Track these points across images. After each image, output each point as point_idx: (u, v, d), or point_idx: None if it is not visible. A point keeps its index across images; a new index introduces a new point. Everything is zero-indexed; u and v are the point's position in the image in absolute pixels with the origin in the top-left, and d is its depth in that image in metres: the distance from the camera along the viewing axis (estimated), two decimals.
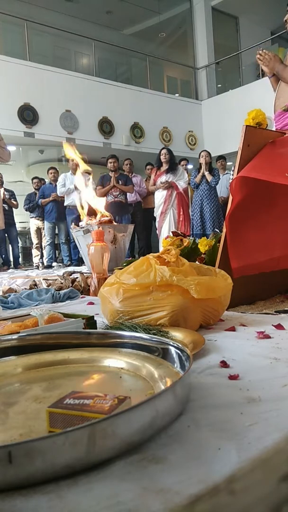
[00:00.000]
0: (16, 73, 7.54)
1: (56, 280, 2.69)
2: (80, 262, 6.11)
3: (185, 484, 0.40)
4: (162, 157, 5.77)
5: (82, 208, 2.80)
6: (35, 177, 7.33)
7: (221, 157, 7.07)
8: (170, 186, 5.72)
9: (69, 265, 6.28)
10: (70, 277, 2.63)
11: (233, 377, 0.72)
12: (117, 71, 10.51)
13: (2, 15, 7.81)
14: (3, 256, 6.91)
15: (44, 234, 6.96)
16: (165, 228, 5.73)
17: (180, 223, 5.74)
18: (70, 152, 2.52)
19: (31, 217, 7.22)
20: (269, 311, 1.43)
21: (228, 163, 7.19)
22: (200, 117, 10.31)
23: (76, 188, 6.14)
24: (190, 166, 7.86)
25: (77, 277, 2.61)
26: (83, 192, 2.67)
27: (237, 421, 0.54)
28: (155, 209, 5.94)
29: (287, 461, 0.47)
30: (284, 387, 0.66)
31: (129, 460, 0.45)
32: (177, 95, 10.58)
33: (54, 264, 6.70)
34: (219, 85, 10.96)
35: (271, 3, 10.53)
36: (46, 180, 7.31)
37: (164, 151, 5.80)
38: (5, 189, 6.65)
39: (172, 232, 2.52)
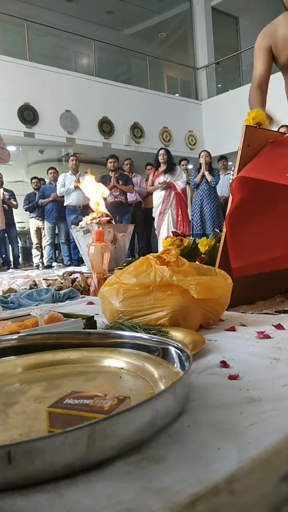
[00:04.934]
0: (16, 73, 7.54)
1: (56, 280, 2.69)
2: (80, 262, 6.11)
3: (185, 484, 0.40)
4: (160, 158, 5.77)
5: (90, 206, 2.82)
6: (35, 177, 7.33)
7: (223, 157, 7.07)
8: (168, 186, 5.72)
9: (69, 265, 6.28)
10: (70, 277, 2.63)
11: (233, 377, 0.72)
12: (117, 71, 10.51)
13: (2, 15, 7.81)
14: (3, 256, 6.91)
15: (44, 234, 6.96)
16: (164, 228, 5.73)
17: (179, 223, 5.75)
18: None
19: (30, 217, 7.22)
20: (269, 311, 1.43)
21: (229, 163, 7.20)
22: (200, 117, 10.31)
23: (76, 187, 6.15)
24: (190, 166, 7.87)
25: (77, 277, 2.61)
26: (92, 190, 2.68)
27: (237, 421, 0.54)
28: (153, 209, 5.94)
29: (287, 461, 0.47)
30: (284, 387, 0.66)
31: (129, 460, 0.45)
32: (177, 95, 10.58)
33: (54, 264, 6.70)
34: (219, 85, 10.97)
35: (271, 3, 10.52)
36: (46, 180, 7.31)
37: (162, 151, 5.80)
38: (4, 189, 6.65)
39: (172, 232, 2.52)
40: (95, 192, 2.70)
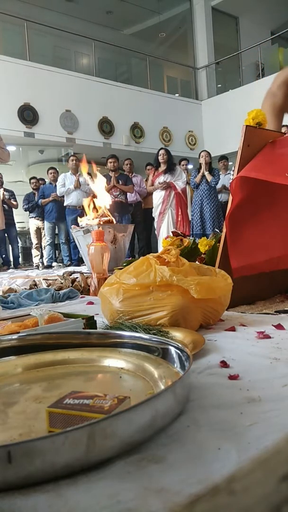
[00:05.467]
0: (16, 73, 7.55)
1: (56, 280, 2.69)
2: (80, 262, 6.11)
3: (185, 484, 0.40)
4: (160, 158, 5.77)
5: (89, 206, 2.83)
6: (33, 177, 7.34)
7: (223, 157, 7.06)
8: (168, 186, 5.72)
9: (69, 265, 6.28)
10: (70, 277, 2.63)
11: (233, 377, 0.72)
12: (117, 71, 10.52)
13: (2, 15, 7.81)
14: (3, 256, 6.91)
15: (44, 234, 6.97)
16: (164, 228, 5.73)
17: (179, 223, 5.75)
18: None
19: (30, 217, 7.22)
20: (269, 311, 1.43)
21: (229, 163, 7.20)
22: (200, 117, 10.32)
23: (76, 187, 6.16)
24: (190, 166, 7.87)
25: (77, 277, 2.61)
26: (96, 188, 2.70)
27: (237, 421, 0.54)
28: (153, 209, 5.94)
29: (287, 461, 0.47)
30: (284, 387, 0.66)
31: (129, 460, 0.45)
32: (177, 95, 10.58)
33: (54, 264, 6.70)
34: (219, 85, 10.97)
35: (271, 3, 10.52)
36: (45, 180, 7.31)
37: (162, 151, 5.80)
38: (4, 189, 6.66)
39: (172, 232, 2.52)
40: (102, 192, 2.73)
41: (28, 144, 8.46)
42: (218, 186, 6.26)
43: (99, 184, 2.68)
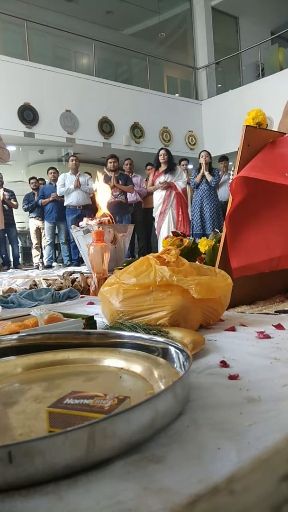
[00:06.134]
0: (16, 73, 7.54)
1: (56, 280, 2.69)
2: (80, 262, 6.11)
3: (185, 483, 0.40)
4: (160, 158, 5.76)
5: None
6: (33, 177, 7.34)
7: (224, 158, 7.05)
8: (168, 186, 5.71)
9: (69, 265, 6.28)
10: (70, 277, 2.63)
11: (233, 377, 0.72)
12: (117, 71, 10.51)
13: (2, 15, 7.81)
14: (3, 256, 6.91)
15: (44, 234, 6.96)
16: (164, 228, 5.73)
17: (179, 223, 5.74)
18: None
19: (30, 217, 7.21)
20: (269, 311, 1.43)
21: (229, 164, 7.19)
22: (200, 117, 10.31)
23: (76, 187, 6.16)
24: (190, 166, 7.87)
25: (77, 277, 2.61)
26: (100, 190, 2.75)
27: (237, 421, 0.54)
28: (154, 209, 5.94)
29: (287, 461, 0.47)
30: (284, 387, 0.66)
31: (129, 460, 0.45)
32: (177, 95, 10.58)
33: (54, 264, 6.70)
34: (219, 85, 10.97)
35: (271, 3, 10.52)
36: (45, 180, 7.31)
37: (162, 151, 5.80)
38: (5, 189, 6.65)
39: (172, 232, 2.52)
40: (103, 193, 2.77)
41: (28, 144, 8.45)
42: (219, 193, 6.27)
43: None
